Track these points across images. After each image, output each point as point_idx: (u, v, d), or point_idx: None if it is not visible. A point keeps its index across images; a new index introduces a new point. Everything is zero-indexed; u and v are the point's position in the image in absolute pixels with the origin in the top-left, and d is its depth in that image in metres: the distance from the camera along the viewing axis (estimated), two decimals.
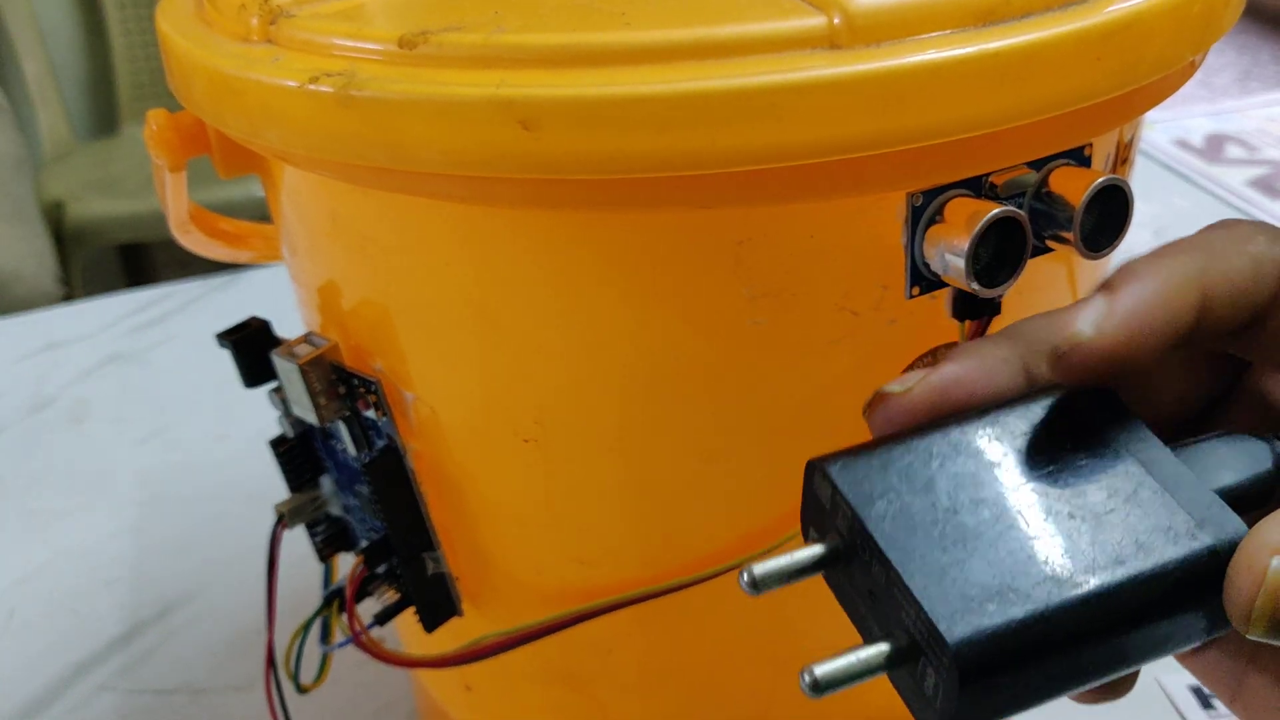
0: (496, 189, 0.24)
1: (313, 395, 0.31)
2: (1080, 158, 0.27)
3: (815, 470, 0.21)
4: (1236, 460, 0.21)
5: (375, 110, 0.24)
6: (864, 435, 0.22)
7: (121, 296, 0.79)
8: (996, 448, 0.21)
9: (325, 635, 0.35)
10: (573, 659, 0.33)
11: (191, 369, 0.69)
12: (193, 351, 0.71)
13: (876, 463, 0.21)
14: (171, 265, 1.89)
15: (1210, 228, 0.23)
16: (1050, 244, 0.26)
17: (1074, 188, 0.25)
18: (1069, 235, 0.25)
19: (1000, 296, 0.26)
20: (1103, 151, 0.28)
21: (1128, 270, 0.21)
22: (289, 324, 0.33)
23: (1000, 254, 0.25)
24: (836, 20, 0.23)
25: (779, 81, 0.22)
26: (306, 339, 0.31)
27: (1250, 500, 0.21)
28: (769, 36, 0.23)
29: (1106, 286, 0.21)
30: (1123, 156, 0.30)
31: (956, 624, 0.18)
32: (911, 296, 0.26)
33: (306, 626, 0.35)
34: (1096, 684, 0.20)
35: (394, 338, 0.29)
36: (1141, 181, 0.86)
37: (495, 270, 0.26)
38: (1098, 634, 0.19)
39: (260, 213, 0.39)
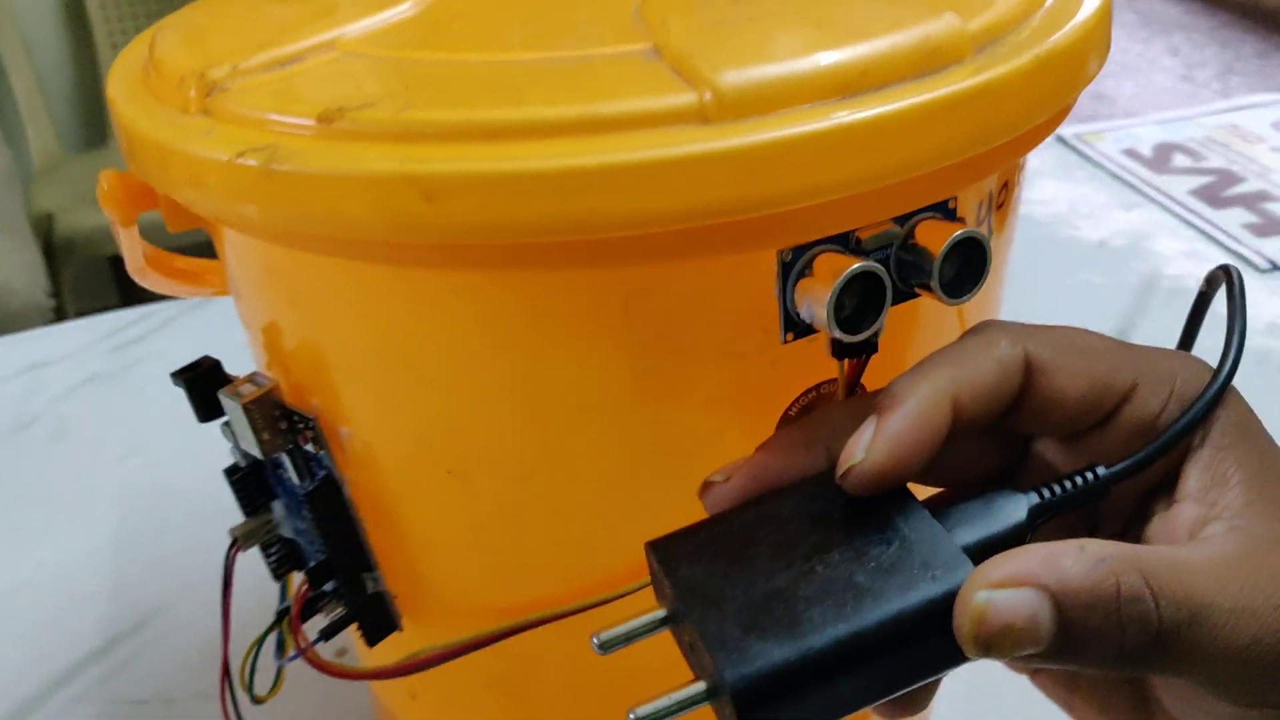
0: (407, 252, 0.27)
1: (256, 431, 0.33)
2: (945, 210, 0.29)
3: (647, 548, 0.26)
4: (995, 516, 0.26)
5: (295, 183, 0.26)
6: None
7: (103, 317, 0.82)
8: (791, 520, 0.26)
9: (280, 649, 0.38)
10: (503, 669, 0.36)
11: (168, 388, 0.71)
12: (170, 370, 0.74)
13: (696, 539, 0.26)
14: None
15: (963, 335, 0.27)
16: (918, 290, 0.29)
17: (935, 240, 0.28)
18: (931, 284, 0.28)
19: (871, 338, 0.29)
20: (973, 201, 0.31)
21: (888, 393, 0.26)
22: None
23: (865, 302, 0.27)
24: (707, 96, 0.26)
25: (652, 157, 0.25)
26: (251, 378, 0.34)
27: (1006, 545, 0.25)
28: (646, 113, 0.26)
29: (878, 408, 0.26)
30: (999, 201, 0.33)
31: (733, 667, 0.22)
32: (786, 341, 0.28)
33: (260, 641, 0.37)
34: (876, 704, 0.24)
35: (329, 379, 0.32)
36: (1089, 193, 0.89)
37: (411, 324, 0.29)
38: (858, 666, 0.23)
39: None
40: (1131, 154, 0.92)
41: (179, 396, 0.36)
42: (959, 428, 0.26)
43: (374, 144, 0.26)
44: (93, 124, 2.03)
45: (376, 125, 0.27)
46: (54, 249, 1.74)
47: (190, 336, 0.78)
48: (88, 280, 1.89)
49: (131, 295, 0.70)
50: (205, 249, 0.38)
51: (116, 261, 1.95)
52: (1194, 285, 0.35)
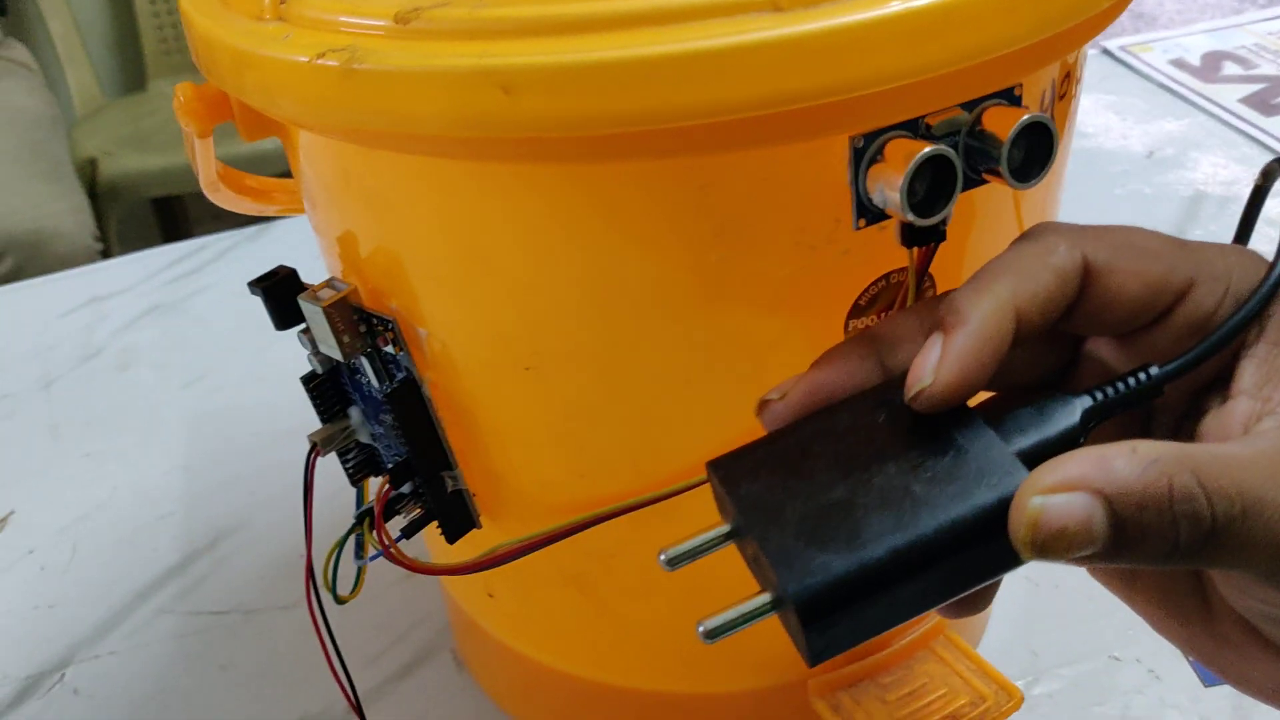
0: (485, 148, 0.28)
1: (336, 334, 0.34)
2: (1011, 97, 0.29)
3: (708, 468, 0.27)
4: (1048, 420, 0.26)
5: (375, 81, 0.27)
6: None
7: (160, 250, 0.83)
8: (848, 433, 0.26)
9: (359, 551, 0.39)
10: (579, 564, 0.37)
11: (229, 315, 0.73)
12: (229, 298, 0.75)
13: (756, 456, 0.26)
14: (204, 218, 1.94)
15: (1021, 240, 0.27)
16: (986, 176, 0.29)
17: (1002, 125, 0.28)
18: (999, 168, 0.28)
19: (941, 225, 0.29)
20: (1036, 90, 0.31)
21: (952, 308, 0.26)
22: (314, 268, 0.37)
23: (936, 188, 0.28)
24: None
25: (725, 45, 0.25)
26: (329, 284, 0.35)
27: (1060, 449, 0.25)
28: (720, 3, 0.26)
29: (942, 325, 0.26)
30: (1061, 92, 0.33)
31: (795, 579, 0.23)
32: (859, 228, 0.29)
33: (341, 543, 0.38)
34: (937, 608, 0.25)
35: (405, 281, 0.33)
36: (1137, 104, 0.88)
37: (488, 220, 0.30)
38: (917, 573, 0.24)
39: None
40: (1179, 64, 0.91)
41: (240, 322, 0.37)
42: (1019, 337, 0.26)
43: (450, 41, 0.27)
44: (131, 68, 2.04)
45: (452, 23, 0.27)
46: (99, 193, 1.77)
47: (247, 265, 0.79)
48: (132, 223, 1.91)
49: (174, 237, 0.71)
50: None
51: (160, 204, 1.98)
52: (1244, 193, 0.35)
